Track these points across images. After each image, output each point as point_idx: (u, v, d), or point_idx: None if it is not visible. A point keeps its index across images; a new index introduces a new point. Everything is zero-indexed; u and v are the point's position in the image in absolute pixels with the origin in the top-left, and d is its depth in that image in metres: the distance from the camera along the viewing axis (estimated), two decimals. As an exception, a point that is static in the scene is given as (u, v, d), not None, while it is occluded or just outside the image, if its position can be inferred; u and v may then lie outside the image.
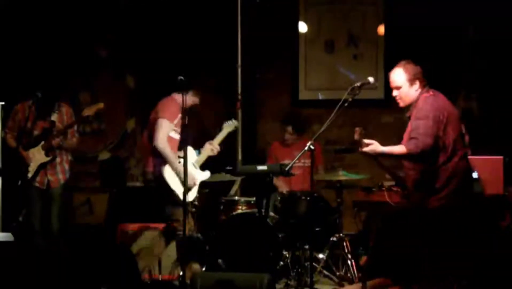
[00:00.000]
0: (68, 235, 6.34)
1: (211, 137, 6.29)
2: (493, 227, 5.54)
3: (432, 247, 4.74)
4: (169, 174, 5.77)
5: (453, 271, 4.84)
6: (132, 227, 6.39)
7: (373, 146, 4.69)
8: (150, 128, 5.87)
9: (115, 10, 7.74)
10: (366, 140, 4.68)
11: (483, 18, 7.06)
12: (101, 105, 6.08)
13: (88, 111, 6.05)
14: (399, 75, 4.80)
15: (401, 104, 4.84)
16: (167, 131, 5.76)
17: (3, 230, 7.06)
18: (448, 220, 4.69)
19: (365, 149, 4.68)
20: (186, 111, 5.23)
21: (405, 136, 4.82)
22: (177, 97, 5.76)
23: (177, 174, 5.71)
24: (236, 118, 6.70)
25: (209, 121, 7.88)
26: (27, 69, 7.21)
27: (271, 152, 7.08)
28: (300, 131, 6.92)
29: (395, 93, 4.83)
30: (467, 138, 5.84)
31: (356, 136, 4.71)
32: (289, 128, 6.90)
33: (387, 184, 5.74)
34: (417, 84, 4.77)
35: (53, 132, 5.99)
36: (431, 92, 4.75)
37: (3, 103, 7.17)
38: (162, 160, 5.76)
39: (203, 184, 6.07)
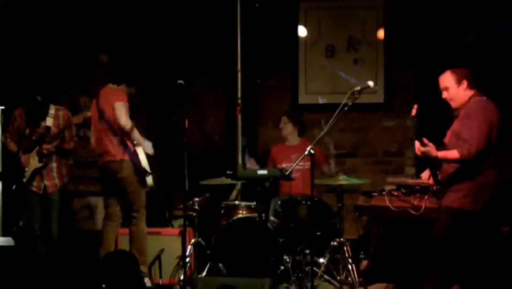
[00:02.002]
0: (68, 240, 6.35)
1: (212, 141, 6.30)
2: (495, 232, 5.54)
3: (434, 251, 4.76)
4: (142, 156, 5.89)
5: (457, 275, 4.85)
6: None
7: (429, 149, 4.74)
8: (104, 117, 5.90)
9: (114, 14, 7.73)
10: (425, 141, 4.75)
11: (483, 21, 7.06)
12: (88, 114, 6.17)
13: (77, 120, 6.13)
14: (446, 77, 4.90)
15: (453, 105, 4.90)
16: (127, 113, 5.82)
17: (4, 235, 7.05)
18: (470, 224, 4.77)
19: (422, 149, 4.74)
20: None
21: (449, 134, 4.87)
22: (115, 86, 5.98)
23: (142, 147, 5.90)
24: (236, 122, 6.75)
25: (210, 125, 7.90)
26: (27, 73, 7.20)
27: (270, 155, 7.09)
28: (300, 131, 6.93)
29: (444, 95, 4.90)
30: None
31: (413, 113, 4.80)
32: (284, 118, 6.97)
33: (388, 188, 5.74)
34: (464, 84, 4.83)
35: (47, 138, 5.99)
36: (484, 98, 4.82)
37: (3, 107, 7.18)
38: (128, 144, 5.85)
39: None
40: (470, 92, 4.83)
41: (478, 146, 4.63)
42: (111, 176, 5.90)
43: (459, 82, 4.83)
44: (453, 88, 4.84)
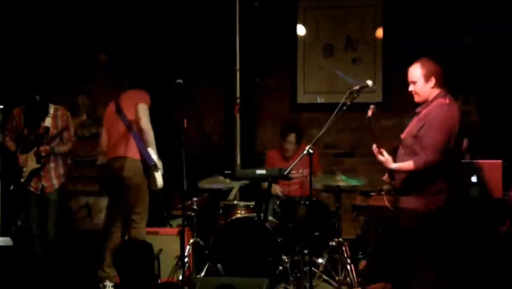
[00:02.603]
0: (66, 240, 6.34)
1: (211, 140, 6.30)
2: (492, 232, 5.55)
3: (429, 251, 4.75)
4: (155, 157, 5.85)
5: (451, 275, 4.85)
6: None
7: (386, 160, 4.78)
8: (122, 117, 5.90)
9: (113, 13, 7.72)
10: (385, 154, 4.79)
11: (481, 21, 7.06)
12: (84, 116, 6.16)
13: (74, 123, 6.19)
14: (415, 69, 4.79)
15: (417, 99, 4.81)
16: (148, 115, 5.84)
17: (2, 235, 7.06)
18: (445, 223, 4.72)
19: (380, 159, 4.79)
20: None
21: (407, 131, 4.83)
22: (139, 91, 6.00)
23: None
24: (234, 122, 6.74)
25: (209, 125, 7.89)
26: (26, 73, 7.19)
27: (267, 159, 7.03)
28: (299, 139, 6.88)
29: (411, 88, 4.81)
30: (465, 143, 5.88)
31: (369, 114, 4.85)
32: (292, 137, 6.80)
33: (386, 188, 5.73)
34: (432, 82, 4.73)
35: (45, 139, 5.99)
36: (447, 100, 4.70)
37: (2, 107, 7.17)
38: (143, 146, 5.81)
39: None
40: (437, 91, 4.74)
41: (435, 158, 4.55)
42: (117, 174, 5.82)
43: (427, 78, 4.73)
44: (420, 83, 4.75)
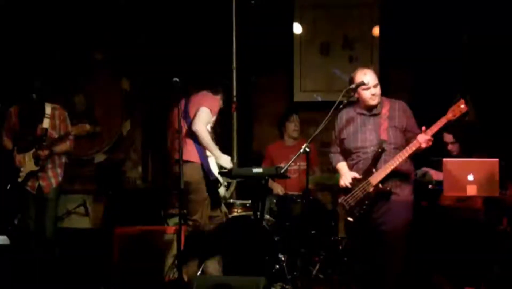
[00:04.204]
0: (63, 239, 6.34)
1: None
2: (490, 231, 5.55)
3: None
4: (213, 164, 5.62)
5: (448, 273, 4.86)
6: (129, 230, 6.37)
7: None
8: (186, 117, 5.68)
9: (111, 12, 7.72)
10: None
11: (478, 20, 7.06)
12: (86, 127, 6.11)
13: (75, 130, 6.10)
14: (374, 74, 4.91)
15: (374, 102, 4.86)
16: (207, 121, 5.60)
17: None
18: None
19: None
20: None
21: (387, 131, 4.82)
22: (211, 95, 5.76)
23: (216, 160, 5.62)
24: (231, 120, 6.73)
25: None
26: (22, 72, 7.19)
27: (267, 154, 7.06)
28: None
29: (373, 91, 4.85)
30: (449, 138, 5.95)
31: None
32: (295, 117, 6.93)
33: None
34: None
35: (44, 141, 5.97)
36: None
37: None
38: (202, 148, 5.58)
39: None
40: None
41: None
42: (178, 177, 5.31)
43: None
44: (379, 86, 4.88)
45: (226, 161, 5.61)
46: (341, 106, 4.94)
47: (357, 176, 4.81)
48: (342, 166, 4.98)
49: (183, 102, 5.63)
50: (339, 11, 7.71)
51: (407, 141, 4.76)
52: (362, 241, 4.84)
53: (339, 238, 6.10)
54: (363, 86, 4.82)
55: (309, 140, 5.02)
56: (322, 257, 6.05)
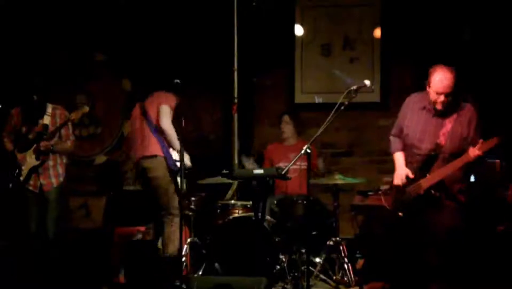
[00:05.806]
0: (64, 239, 6.33)
1: (208, 141, 6.32)
2: (490, 232, 5.55)
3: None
4: (174, 154, 5.99)
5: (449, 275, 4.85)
6: (129, 230, 6.38)
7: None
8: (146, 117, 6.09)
9: (111, 13, 7.72)
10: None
11: (479, 20, 7.06)
12: (86, 109, 6.15)
13: (75, 115, 6.08)
14: (451, 81, 4.73)
15: (444, 108, 4.76)
16: (170, 117, 6.00)
17: (0, 234, 7.03)
18: None
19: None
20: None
21: (446, 136, 4.78)
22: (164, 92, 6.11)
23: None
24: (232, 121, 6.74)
25: (207, 125, 7.88)
26: (24, 72, 7.19)
27: (266, 154, 7.07)
28: (295, 121, 6.95)
29: (448, 100, 4.73)
30: None
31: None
32: (286, 117, 6.97)
33: (383, 187, 5.74)
34: None
35: (44, 135, 5.98)
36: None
37: (0, 106, 7.16)
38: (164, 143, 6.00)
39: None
40: None
41: None
42: (145, 174, 6.05)
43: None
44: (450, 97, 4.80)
45: (187, 158, 5.97)
46: (342, 107, 4.94)
47: (410, 174, 4.80)
48: (399, 158, 4.96)
49: (139, 104, 6.19)
50: (340, 11, 7.69)
51: (464, 149, 4.68)
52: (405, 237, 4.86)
53: (340, 239, 6.08)
54: (434, 89, 4.71)
55: (310, 141, 5.01)
56: (323, 257, 6.04)
